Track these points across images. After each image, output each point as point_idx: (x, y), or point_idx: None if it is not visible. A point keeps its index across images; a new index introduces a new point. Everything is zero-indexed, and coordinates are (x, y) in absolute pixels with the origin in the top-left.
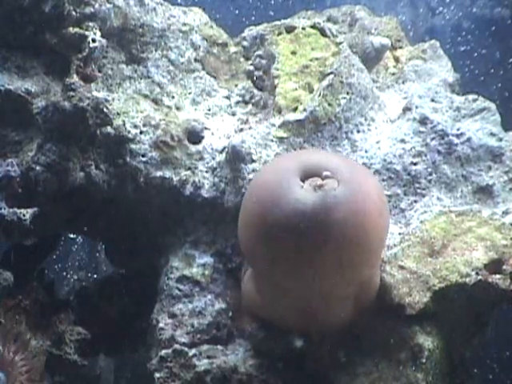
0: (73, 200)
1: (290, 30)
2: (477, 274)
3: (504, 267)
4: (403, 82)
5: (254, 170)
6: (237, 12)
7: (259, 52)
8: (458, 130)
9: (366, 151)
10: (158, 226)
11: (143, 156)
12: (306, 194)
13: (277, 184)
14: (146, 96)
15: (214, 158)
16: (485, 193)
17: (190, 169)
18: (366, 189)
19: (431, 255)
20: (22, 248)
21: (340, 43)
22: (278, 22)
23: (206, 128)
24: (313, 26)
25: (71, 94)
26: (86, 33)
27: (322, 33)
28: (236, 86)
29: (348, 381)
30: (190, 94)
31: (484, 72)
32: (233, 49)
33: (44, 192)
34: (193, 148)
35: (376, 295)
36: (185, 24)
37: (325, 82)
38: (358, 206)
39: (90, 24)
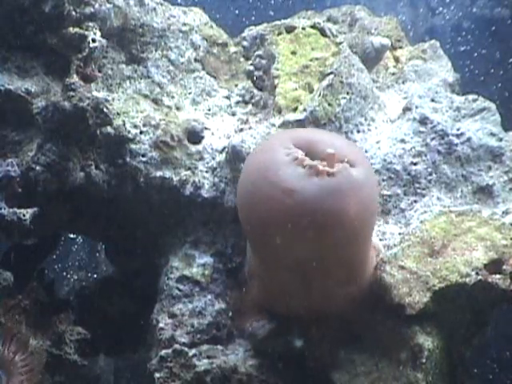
0: (73, 200)
1: (290, 29)
2: (477, 274)
3: (504, 267)
4: (403, 82)
5: None
6: (237, 12)
7: (259, 52)
8: (458, 129)
9: (366, 151)
10: (158, 226)
11: (143, 156)
12: (304, 181)
13: (267, 167)
14: (146, 96)
15: (214, 158)
16: (485, 193)
17: (189, 169)
18: (373, 172)
19: (431, 255)
20: (22, 248)
21: (340, 43)
22: (278, 22)
23: (206, 128)
24: (313, 26)
25: (71, 94)
26: (86, 33)
27: (322, 33)
28: (236, 85)
29: (348, 380)
30: (190, 94)
31: (484, 72)
32: (233, 49)
33: (44, 192)
34: (193, 148)
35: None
36: (185, 24)
37: (325, 82)
38: (372, 192)
39: (90, 24)
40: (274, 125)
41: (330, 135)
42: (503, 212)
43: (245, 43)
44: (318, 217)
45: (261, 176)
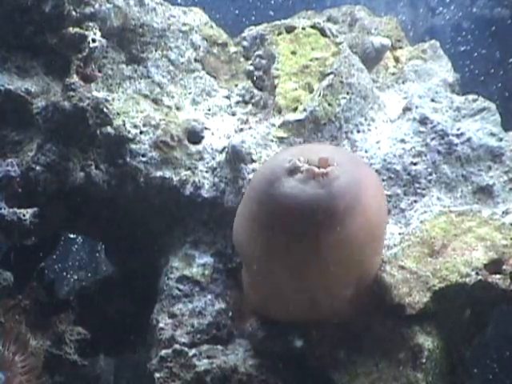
0: (73, 200)
1: (290, 30)
2: (477, 273)
3: (504, 267)
4: (403, 82)
5: (254, 170)
6: (237, 12)
7: (259, 52)
8: (458, 129)
9: (366, 151)
10: (158, 226)
11: (143, 156)
12: (301, 186)
13: (267, 177)
14: (146, 96)
15: (214, 158)
16: (485, 193)
17: (190, 169)
18: (364, 172)
19: (431, 255)
20: (22, 248)
21: (340, 43)
22: (278, 22)
23: (206, 128)
24: (313, 26)
25: (71, 93)
26: (86, 33)
27: (322, 33)
28: (236, 86)
29: (348, 381)
30: (190, 94)
31: (484, 72)
32: (233, 49)
33: (44, 192)
34: (193, 148)
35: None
36: (185, 24)
37: (325, 82)
38: (360, 192)
39: (90, 24)
40: (273, 125)
41: (322, 146)
42: (503, 212)
43: (245, 43)
44: (318, 215)
45: (267, 187)
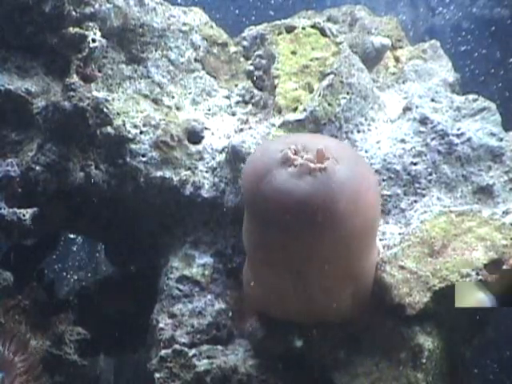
0: (73, 200)
1: (290, 29)
2: (477, 274)
3: (504, 267)
4: (403, 82)
5: None
6: (237, 12)
7: (259, 52)
8: (459, 129)
9: (366, 151)
10: (158, 226)
11: (143, 156)
12: (294, 181)
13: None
14: (146, 96)
15: (213, 158)
16: (485, 193)
17: (190, 169)
18: (363, 167)
19: (431, 255)
20: (21, 248)
21: (340, 43)
22: (278, 22)
23: (206, 128)
24: (313, 26)
25: (71, 94)
26: (86, 33)
27: (322, 33)
28: (236, 85)
29: (348, 381)
30: (190, 93)
31: (484, 72)
32: (233, 49)
33: (44, 192)
34: (193, 148)
35: (372, 288)
36: (185, 24)
37: (325, 82)
38: (360, 188)
39: (90, 24)
40: (274, 125)
41: (318, 136)
42: (503, 212)
43: (245, 43)
44: (316, 214)
45: (258, 181)
